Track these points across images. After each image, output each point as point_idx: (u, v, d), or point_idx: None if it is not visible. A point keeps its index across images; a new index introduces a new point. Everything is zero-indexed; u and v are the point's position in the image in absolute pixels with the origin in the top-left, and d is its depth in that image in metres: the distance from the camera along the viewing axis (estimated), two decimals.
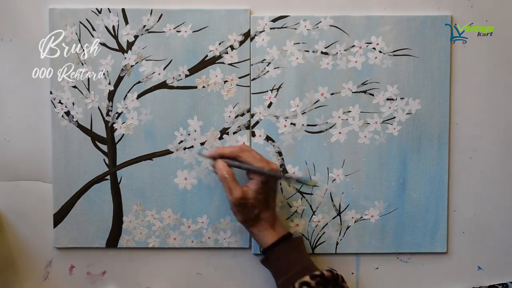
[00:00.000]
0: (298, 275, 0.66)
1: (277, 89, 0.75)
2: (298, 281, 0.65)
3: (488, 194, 0.77)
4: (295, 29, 0.74)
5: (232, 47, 0.75)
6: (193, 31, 0.74)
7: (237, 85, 0.75)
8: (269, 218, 0.69)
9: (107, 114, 0.75)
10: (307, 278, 0.65)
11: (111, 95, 0.75)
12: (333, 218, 0.76)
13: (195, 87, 0.75)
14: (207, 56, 0.75)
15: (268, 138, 0.75)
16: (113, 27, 0.74)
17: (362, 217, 0.76)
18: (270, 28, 0.74)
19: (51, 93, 0.75)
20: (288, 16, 0.74)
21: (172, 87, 0.75)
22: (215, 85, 0.75)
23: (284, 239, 0.69)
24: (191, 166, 0.76)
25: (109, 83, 0.75)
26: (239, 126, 0.75)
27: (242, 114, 0.75)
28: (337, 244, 0.76)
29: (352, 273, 0.77)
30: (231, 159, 0.69)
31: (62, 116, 0.75)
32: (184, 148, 0.76)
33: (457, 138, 0.76)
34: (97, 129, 0.75)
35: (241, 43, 0.75)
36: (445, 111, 0.75)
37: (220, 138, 0.75)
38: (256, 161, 0.68)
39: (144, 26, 0.74)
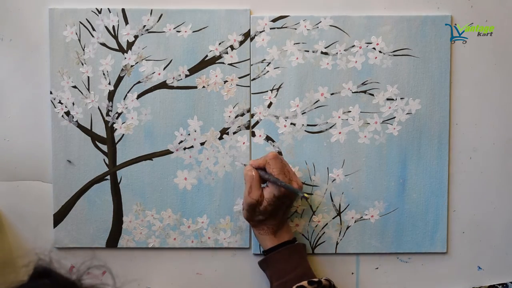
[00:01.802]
0: (296, 279, 0.66)
1: (277, 89, 0.75)
2: (295, 285, 0.65)
3: (488, 194, 0.77)
4: (295, 29, 0.74)
5: (232, 47, 0.75)
6: (193, 31, 0.74)
7: (237, 85, 0.75)
8: (273, 226, 0.70)
9: (107, 114, 0.75)
10: (305, 283, 0.65)
11: (111, 95, 0.75)
12: (333, 218, 0.76)
13: (195, 87, 0.75)
14: (207, 56, 0.75)
15: (268, 138, 0.75)
16: (113, 27, 0.74)
17: (362, 217, 0.76)
18: (270, 28, 0.74)
19: (51, 93, 0.75)
20: (288, 16, 0.74)
21: (172, 87, 0.75)
22: (215, 85, 0.75)
23: (285, 244, 0.70)
24: (191, 166, 0.76)
25: (109, 83, 0.75)
26: (239, 126, 0.75)
27: (242, 114, 0.75)
28: (337, 244, 0.76)
29: (352, 273, 0.77)
30: (262, 169, 0.70)
31: (62, 116, 0.75)
32: (184, 148, 0.76)
33: (457, 138, 0.76)
34: (97, 129, 0.75)
35: (241, 43, 0.75)
36: (445, 111, 0.75)
37: (220, 138, 0.75)
38: (281, 173, 0.68)
39: (144, 26, 0.74)
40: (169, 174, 0.76)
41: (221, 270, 0.78)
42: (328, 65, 0.75)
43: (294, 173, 0.71)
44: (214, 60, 0.75)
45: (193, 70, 0.75)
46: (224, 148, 0.75)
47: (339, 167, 0.76)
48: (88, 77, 0.75)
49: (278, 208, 0.69)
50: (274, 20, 0.74)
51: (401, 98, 0.75)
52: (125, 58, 0.75)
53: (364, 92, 0.75)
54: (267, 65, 0.75)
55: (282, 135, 0.75)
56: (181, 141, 0.76)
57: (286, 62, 0.75)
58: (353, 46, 0.75)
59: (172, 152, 0.76)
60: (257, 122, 0.76)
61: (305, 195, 0.65)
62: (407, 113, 0.75)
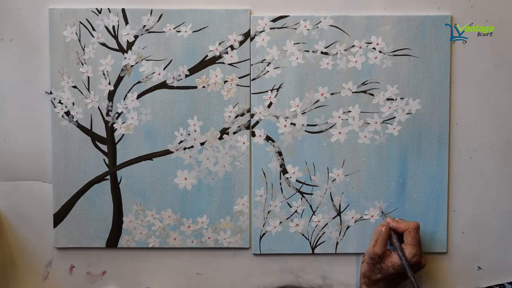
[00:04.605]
0: None
1: (277, 89, 0.75)
2: None
3: (488, 194, 0.77)
4: (295, 29, 0.74)
5: (232, 47, 0.75)
6: (193, 31, 0.74)
7: (237, 85, 0.75)
8: None
9: (107, 114, 0.75)
10: None
11: (111, 95, 0.75)
12: (333, 218, 0.76)
13: (195, 87, 0.75)
14: (207, 56, 0.75)
15: (268, 138, 0.75)
16: (113, 27, 0.74)
17: (362, 217, 0.76)
18: (270, 28, 0.74)
19: (51, 93, 0.75)
20: (288, 16, 0.74)
21: (172, 87, 0.75)
22: (215, 85, 0.75)
23: None
24: (191, 166, 0.76)
25: (109, 83, 0.75)
26: (239, 126, 0.75)
27: (242, 114, 0.75)
28: (337, 244, 0.76)
29: (352, 273, 0.77)
30: (399, 234, 0.72)
31: (62, 116, 0.75)
32: (184, 148, 0.76)
33: (457, 138, 0.76)
34: (97, 129, 0.75)
35: (241, 43, 0.75)
36: (445, 111, 0.75)
37: (220, 138, 0.75)
38: (417, 245, 0.70)
39: (144, 26, 0.74)
40: (169, 174, 0.76)
41: (221, 270, 0.78)
42: (328, 65, 0.75)
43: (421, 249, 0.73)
44: (214, 60, 0.75)
45: (193, 70, 0.75)
46: (224, 148, 0.75)
47: (339, 167, 0.76)
48: (88, 77, 0.75)
49: (398, 276, 0.70)
50: (274, 20, 0.74)
51: (401, 98, 0.75)
52: (125, 58, 0.75)
53: (364, 92, 0.75)
54: (267, 65, 0.75)
55: (282, 135, 0.75)
56: (181, 141, 0.76)
57: (286, 62, 0.75)
58: (353, 46, 0.75)
59: (172, 152, 0.76)
60: (257, 122, 0.76)
61: None
62: (407, 113, 0.75)
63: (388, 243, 0.72)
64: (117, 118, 0.75)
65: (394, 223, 0.72)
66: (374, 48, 0.75)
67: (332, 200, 0.76)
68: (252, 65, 0.75)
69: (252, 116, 0.75)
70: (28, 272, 0.77)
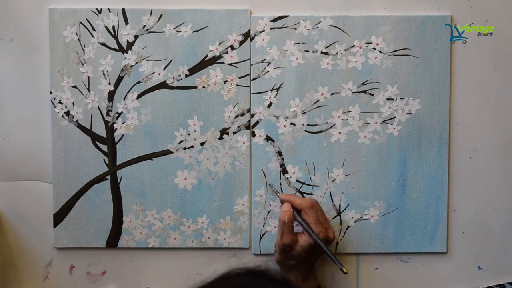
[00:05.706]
0: None
1: (277, 89, 0.75)
2: None
3: (488, 194, 0.77)
4: (295, 29, 0.74)
5: (232, 47, 0.75)
6: (193, 31, 0.74)
7: (237, 85, 0.75)
8: (303, 272, 0.70)
9: (107, 114, 0.75)
10: None
11: (111, 95, 0.75)
12: (333, 218, 0.76)
13: (195, 87, 0.75)
14: (207, 56, 0.75)
15: (268, 138, 0.75)
16: (113, 27, 0.74)
17: (362, 217, 0.76)
18: (270, 28, 0.74)
19: (51, 93, 0.75)
20: (288, 16, 0.74)
21: (172, 87, 0.75)
22: (215, 85, 0.75)
23: None
24: (191, 166, 0.76)
25: (109, 83, 0.75)
26: (239, 126, 0.75)
27: (242, 114, 0.75)
28: (337, 244, 0.76)
29: (352, 273, 0.77)
30: (297, 210, 0.71)
31: (62, 116, 0.75)
32: (184, 148, 0.76)
33: (457, 138, 0.76)
34: (97, 129, 0.75)
35: (241, 43, 0.75)
36: (445, 111, 0.75)
37: (220, 138, 0.75)
38: (318, 223, 0.69)
39: (144, 26, 0.74)
40: (169, 174, 0.76)
41: (221, 270, 0.77)
42: (328, 65, 0.75)
43: (329, 221, 0.72)
44: (214, 60, 0.75)
45: (193, 70, 0.75)
46: (224, 148, 0.75)
47: (339, 167, 0.76)
48: (88, 77, 0.75)
49: (311, 255, 0.70)
50: (274, 20, 0.74)
51: (401, 98, 0.75)
52: (125, 58, 0.75)
53: (364, 92, 0.75)
54: (267, 65, 0.75)
55: (282, 135, 0.75)
56: (181, 141, 0.76)
57: (286, 62, 0.75)
58: (353, 46, 0.75)
59: (172, 152, 0.76)
60: (257, 122, 0.76)
61: (344, 269, 0.65)
62: (407, 113, 0.75)
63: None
64: (117, 118, 0.75)
65: (293, 199, 0.71)
66: (374, 48, 0.75)
67: (332, 200, 0.76)
68: (252, 65, 0.75)
69: (252, 116, 0.75)
70: (28, 272, 0.77)
